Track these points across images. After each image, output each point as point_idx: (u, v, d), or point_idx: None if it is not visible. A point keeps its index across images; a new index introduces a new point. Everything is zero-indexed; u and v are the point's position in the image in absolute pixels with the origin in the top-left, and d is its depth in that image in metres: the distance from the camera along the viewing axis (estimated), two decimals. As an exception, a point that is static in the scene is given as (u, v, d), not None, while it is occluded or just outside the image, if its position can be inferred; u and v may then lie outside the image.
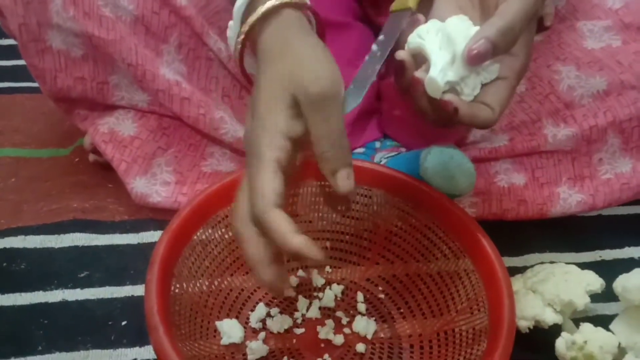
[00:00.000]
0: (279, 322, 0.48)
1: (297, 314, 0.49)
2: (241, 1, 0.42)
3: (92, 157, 0.65)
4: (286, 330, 0.48)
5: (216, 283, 0.49)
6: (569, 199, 0.62)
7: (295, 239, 0.33)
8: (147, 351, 0.48)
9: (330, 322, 0.48)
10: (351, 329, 0.48)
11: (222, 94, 0.59)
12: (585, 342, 0.46)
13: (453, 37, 0.38)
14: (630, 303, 0.47)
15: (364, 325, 0.48)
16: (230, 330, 0.46)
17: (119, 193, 0.61)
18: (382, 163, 0.58)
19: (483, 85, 0.39)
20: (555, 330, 0.49)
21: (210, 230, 0.48)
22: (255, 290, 0.51)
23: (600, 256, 0.60)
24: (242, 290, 0.50)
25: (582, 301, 0.48)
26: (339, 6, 0.62)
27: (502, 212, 0.62)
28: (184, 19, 0.55)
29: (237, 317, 0.48)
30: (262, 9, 0.39)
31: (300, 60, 0.36)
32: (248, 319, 0.48)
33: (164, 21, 0.55)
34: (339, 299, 0.51)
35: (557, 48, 0.61)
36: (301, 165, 0.40)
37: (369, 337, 0.48)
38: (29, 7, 0.53)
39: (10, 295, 0.52)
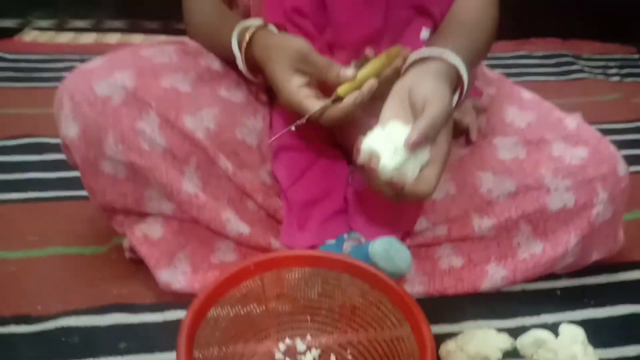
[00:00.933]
0: None
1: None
2: (234, 39, 0.69)
3: (128, 254, 0.81)
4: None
5: (224, 349, 0.64)
6: (495, 275, 0.78)
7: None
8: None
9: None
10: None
11: (227, 201, 0.76)
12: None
13: (393, 136, 0.58)
14: (527, 355, 0.63)
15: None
16: None
17: (148, 281, 0.76)
18: (348, 251, 0.75)
19: (421, 168, 0.60)
20: (478, 378, 0.65)
21: (220, 309, 0.63)
22: (253, 356, 0.67)
23: (522, 322, 0.75)
24: (243, 355, 0.65)
25: (496, 357, 0.65)
26: (315, 138, 0.77)
27: (444, 289, 0.78)
28: (201, 147, 0.72)
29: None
30: (247, 35, 0.68)
31: (285, 46, 0.65)
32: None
33: (185, 150, 0.71)
34: (316, 360, 0.67)
35: (479, 159, 0.78)
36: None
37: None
38: (89, 145, 0.69)
39: (68, 363, 0.67)
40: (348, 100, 0.63)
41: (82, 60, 1.46)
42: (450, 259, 0.80)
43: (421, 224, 0.80)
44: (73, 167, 0.76)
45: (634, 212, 0.98)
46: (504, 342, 0.66)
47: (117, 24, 1.90)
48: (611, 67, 1.68)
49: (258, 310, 0.67)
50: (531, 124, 0.78)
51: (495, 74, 0.90)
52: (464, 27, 0.72)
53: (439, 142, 0.61)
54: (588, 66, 1.66)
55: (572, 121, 0.79)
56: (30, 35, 1.72)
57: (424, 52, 0.65)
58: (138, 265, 0.79)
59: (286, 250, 0.74)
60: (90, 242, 0.86)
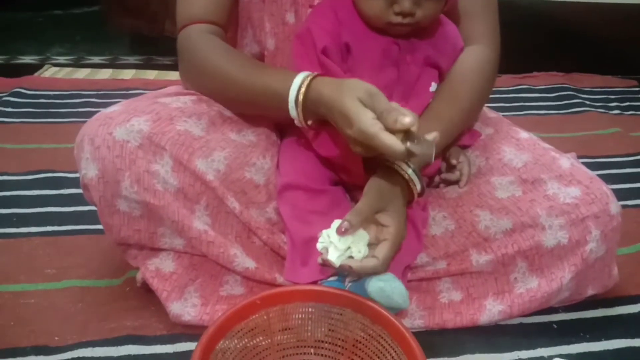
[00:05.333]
0: None
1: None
2: (296, 83, 0.71)
3: (140, 285, 0.84)
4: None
5: None
6: (493, 309, 0.81)
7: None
8: None
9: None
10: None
11: (235, 237, 0.80)
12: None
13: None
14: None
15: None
16: None
17: (160, 313, 0.80)
18: (348, 287, 0.78)
19: (370, 245, 0.68)
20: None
21: (227, 342, 0.66)
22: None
23: (519, 356, 0.78)
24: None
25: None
26: (318, 177, 0.82)
27: (444, 322, 0.81)
28: (210, 188, 0.76)
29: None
30: (306, 80, 0.71)
31: (355, 83, 0.67)
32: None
33: (196, 190, 0.75)
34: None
35: (477, 197, 0.82)
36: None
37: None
38: (107, 185, 0.73)
39: (86, 393, 0.71)
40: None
41: (99, 96, 1.55)
42: (449, 293, 0.83)
43: (422, 258, 0.83)
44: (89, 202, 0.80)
45: (631, 247, 1.00)
46: (501, 375, 0.68)
47: (132, 60, 1.98)
48: (612, 101, 1.71)
49: (264, 344, 0.70)
50: (527, 163, 0.82)
51: (494, 114, 0.94)
52: (454, 99, 0.80)
53: (387, 224, 0.69)
54: (589, 99, 1.70)
55: (566, 161, 0.82)
56: (49, 72, 1.79)
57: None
58: (149, 296, 0.82)
59: (291, 286, 0.77)
60: (104, 275, 0.90)
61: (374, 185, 0.70)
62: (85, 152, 0.73)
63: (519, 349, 0.78)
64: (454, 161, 0.84)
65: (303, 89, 0.70)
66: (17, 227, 1.01)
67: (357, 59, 0.77)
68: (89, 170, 0.73)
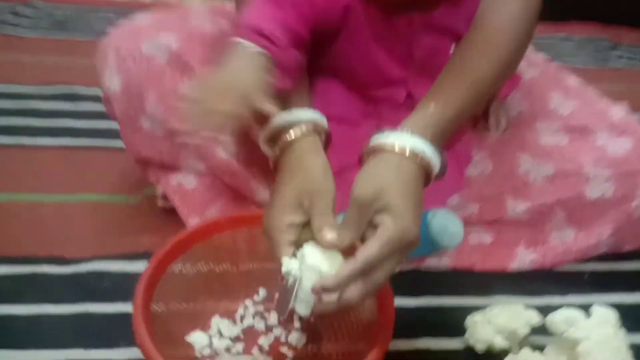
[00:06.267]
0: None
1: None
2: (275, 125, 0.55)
3: (160, 202, 0.81)
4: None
5: (185, 304, 0.64)
6: (524, 257, 0.78)
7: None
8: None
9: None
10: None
11: (259, 169, 0.75)
12: (524, 362, 0.62)
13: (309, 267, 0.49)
14: (557, 334, 0.63)
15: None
16: (198, 340, 0.62)
17: (179, 231, 0.78)
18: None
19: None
20: (503, 353, 0.65)
21: (188, 263, 0.63)
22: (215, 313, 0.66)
23: (549, 302, 0.74)
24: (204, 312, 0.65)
25: (523, 332, 0.65)
26: (352, 107, 0.76)
27: (472, 263, 0.78)
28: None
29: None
30: (292, 135, 0.54)
31: (309, 178, 0.53)
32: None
33: None
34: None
35: (519, 141, 0.77)
36: None
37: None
38: (131, 100, 0.71)
39: (99, 305, 0.69)
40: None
41: (117, 14, 1.47)
42: (479, 235, 0.80)
43: (453, 199, 0.79)
44: (107, 118, 0.77)
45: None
46: (533, 317, 0.65)
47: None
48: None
49: (229, 269, 0.67)
50: (575, 111, 0.77)
51: (540, 56, 0.88)
52: (489, 49, 0.61)
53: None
54: (628, 56, 1.62)
55: (618, 111, 0.77)
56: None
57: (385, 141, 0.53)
58: (169, 216, 0.79)
59: None
60: (122, 190, 0.87)
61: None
62: (109, 62, 0.70)
63: (550, 295, 0.76)
64: (493, 119, 0.79)
65: (286, 138, 0.56)
66: (33, 136, 0.98)
67: (356, 29, 0.65)
68: (112, 82, 0.70)
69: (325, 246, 0.50)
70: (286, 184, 0.54)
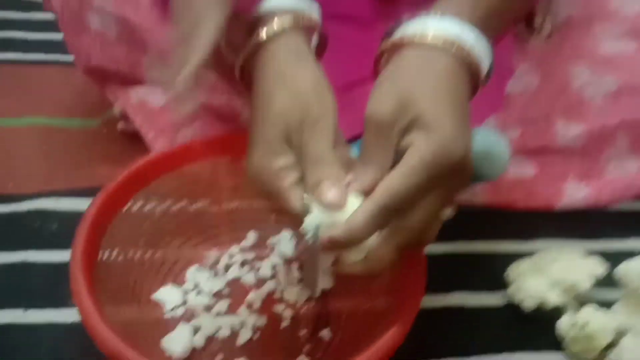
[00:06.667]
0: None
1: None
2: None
3: (120, 124, 0.68)
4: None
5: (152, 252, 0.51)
6: (575, 194, 0.64)
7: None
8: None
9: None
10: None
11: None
12: (586, 323, 0.48)
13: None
14: (631, 287, 0.49)
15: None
16: (168, 297, 0.50)
17: None
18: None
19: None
20: (557, 311, 0.51)
21: (151, 199, 0.50)
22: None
23: (605, 247, 0.61)
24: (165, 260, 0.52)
25: (585, 285, 0.51)
26: (362, 2, 0.63)
27: (512, 201, 0.64)
28: None
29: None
30: (263, 33, 0.39)
31: (293, 100, 0.38)
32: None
33: None
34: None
35: (572, 50, 0.64)
36: None
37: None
38: None
39: (44, 252, 0.55)
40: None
41: None
42: (522, 166, 0.65)
43: (489, 123, 0.65)
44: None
45: None
46: (596, 267, 0.52)
47: None
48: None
49: (208, 207, 0.54)
50: None
51: None
52: None
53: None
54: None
55: None
56: None
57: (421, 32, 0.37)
58: (132, 143, 0.66)
59: None
60: (77, 113, 0.73)
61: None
62: None
63: (606, 239, 0.63)
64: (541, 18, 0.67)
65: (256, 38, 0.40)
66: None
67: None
68: None
69: (328, 208, 0.34)
70: (264, 110, 0.39)
